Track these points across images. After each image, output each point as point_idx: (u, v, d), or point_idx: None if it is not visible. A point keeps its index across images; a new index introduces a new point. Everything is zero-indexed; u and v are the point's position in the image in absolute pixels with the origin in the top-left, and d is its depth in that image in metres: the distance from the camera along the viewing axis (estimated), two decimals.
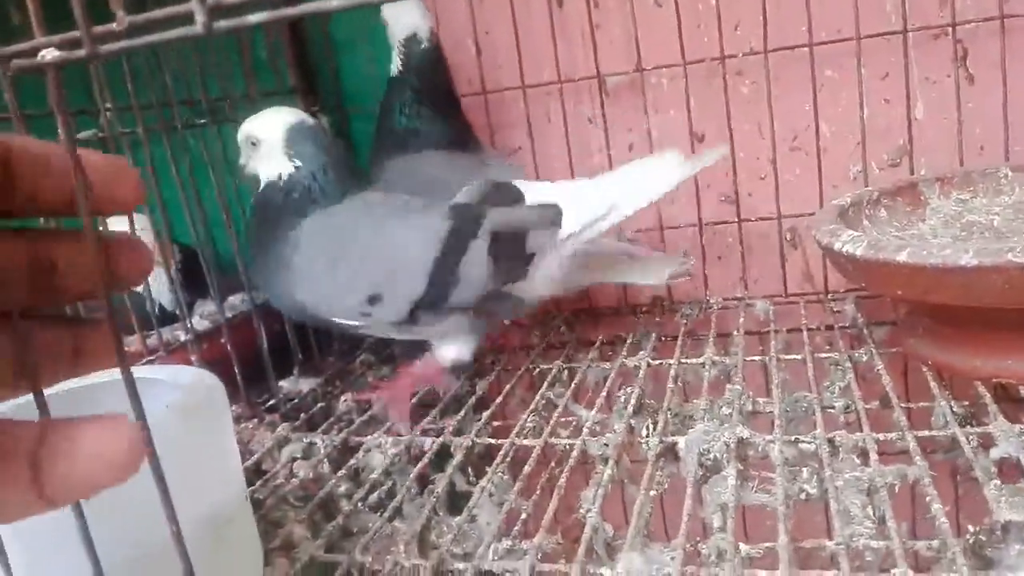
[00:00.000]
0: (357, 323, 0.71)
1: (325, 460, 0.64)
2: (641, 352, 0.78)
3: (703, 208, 0.91)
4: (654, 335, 0.83)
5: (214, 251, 0.84)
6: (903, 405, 0.59)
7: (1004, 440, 0.51)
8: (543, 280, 0.72)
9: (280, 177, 0.71)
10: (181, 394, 0.43)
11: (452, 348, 0.74)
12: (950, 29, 0.81)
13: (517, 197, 0.71)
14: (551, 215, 0.68)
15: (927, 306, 0.62)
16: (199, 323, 0.76)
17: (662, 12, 0.88)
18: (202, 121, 0.79)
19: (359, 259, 0.69)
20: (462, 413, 0.69)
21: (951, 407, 0.57)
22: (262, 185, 0.73)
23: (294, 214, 0.71)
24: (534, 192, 0.72)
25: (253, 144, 0.73)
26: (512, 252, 0.68)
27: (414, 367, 0.76)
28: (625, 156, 0.92)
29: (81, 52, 0.25)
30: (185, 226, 0.74)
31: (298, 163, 0.71)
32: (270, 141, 0.72)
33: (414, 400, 0.74)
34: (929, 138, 0.85)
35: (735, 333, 0.79)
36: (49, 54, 0.25)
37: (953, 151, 0.83)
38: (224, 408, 0.45)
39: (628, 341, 0.83)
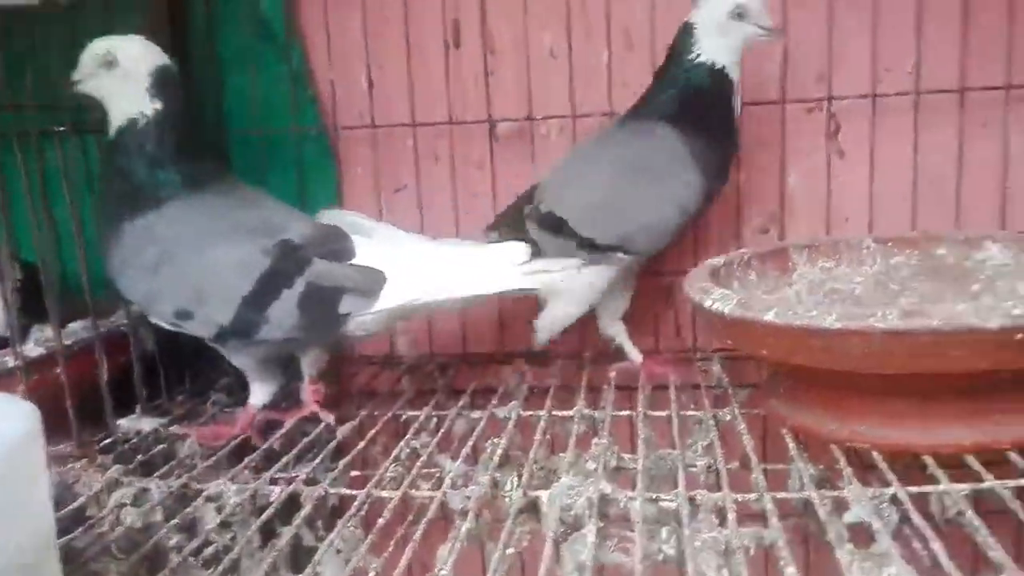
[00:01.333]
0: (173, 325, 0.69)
1: (159, 507, 0.58)
2: (512, 402, 0.76)
3: None
4: (526, 386, 0.81)
5: (61, 272, 0.78)
6: (762, 466, 0.59)
7: (857, 504, 0.51)
8: (359, 329, 0.70)
9: (142, 117, 0.66)
10: None
11: (256, 391, 0.73)
12: (825, 103, 0.84)
13: (346, 250, 0.68)
14: (372, 283, 0.66)
15: (789, 367, 0.63)
16: (32, 349, 0.69)
17: (555, 64, 0.88)
18: (61, 128, 0.73)
19: (178, 270, 0.66)
20: (318, 460, 0.65)
21: (807, 470, 0.58)
22: (115, 125, 0.67)
23: (146, 186, 0.66)
24: (366, 251, 0.68)
25: (108, 64, 0.66)
26: (321, 312, 0.66)
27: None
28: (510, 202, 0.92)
29: None
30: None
31: (159, 106, 0.66)
32: (134, 70, 0.66)
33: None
34: (799, 207, 0.88)
35: (605, 387, 0.78)
36: None
37: (821, 220, 0.87)
38: (35, 444, 0.40)
39: (500, 391, 0.81)
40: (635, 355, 0.83)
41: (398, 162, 0.93)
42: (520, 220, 0.79)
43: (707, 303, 0.61)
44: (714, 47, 0.75)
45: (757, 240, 0.88)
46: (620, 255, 0.77)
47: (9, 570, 0.36)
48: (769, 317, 0.55)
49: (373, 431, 0.72)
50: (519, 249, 0.68)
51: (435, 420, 0.75)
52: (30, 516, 0.40)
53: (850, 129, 0.86)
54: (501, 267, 0.68)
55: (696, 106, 0.75)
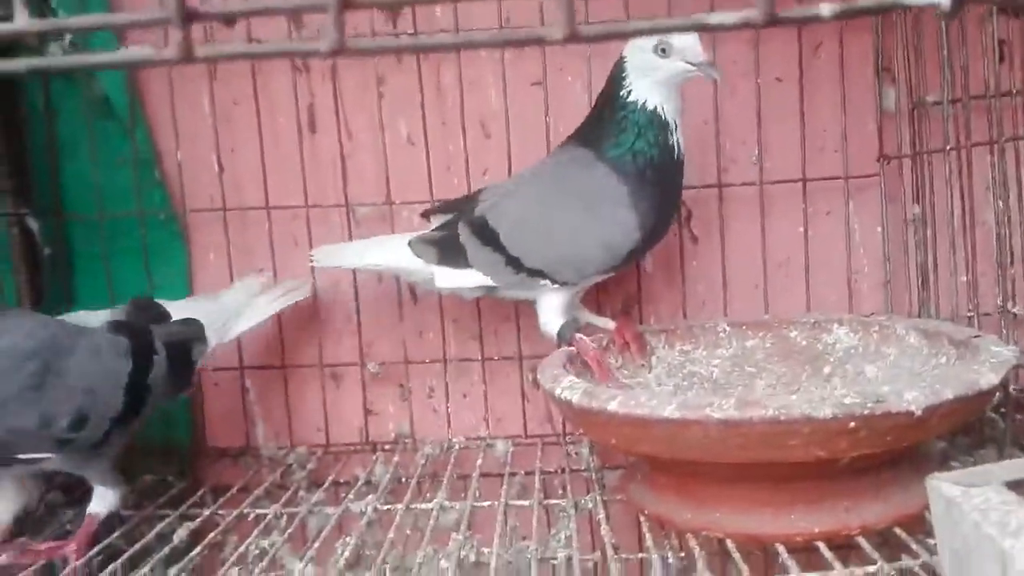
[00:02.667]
0: (44, 456, 0.63)
1: None
2: (371, 496, 0.73)
3: (449, 344, 0.90)
4: (389, 476, 0.79)
5: None
6: (623, 556, 0.58)
7: None
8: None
9: None
10: None
11: (99, 498, 0.69)
12: None
13: (164, 314, 0.74)
14: (199, 329, 0.74)
15: (642, 456, 0.63)
16: None
17: (414, 150, 0.89)
18: None
19: (63, 382, 0.62)
20: (148, 568, 0.60)
21: (666, 559, 0.57)
22: None
23: None
24: (175, 309, 0.75)
25: None
26: (183, 363, 0.72)
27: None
28: (374, 286, 0.90)
29: None
30: None
31: None
32: None
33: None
34: (657, 290, 0.90)
35: (472, 476, 0.76)
36: None
37: (678, 304, 0.89)
38: None
39: (362, 481, 0.78)
40: (607, 323, 0.80)
41: (253, 245, 0.90)
42: (455, 219, 0.78)
43: (556, 391, 0.60)
44: (644, 86, 0.72)
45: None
46: (543, 281, 0.75)
47: None
48: (613, 407, 0.55)
49: (215, 532, 0.68)
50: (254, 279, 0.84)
51: (286, 517, 0.71)
52: None
53: (701, 215, 0.89)
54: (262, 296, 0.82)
55: (631, 146, 0.73)
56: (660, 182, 0.74)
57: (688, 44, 0.70)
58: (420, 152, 0.88)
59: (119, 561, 0.61)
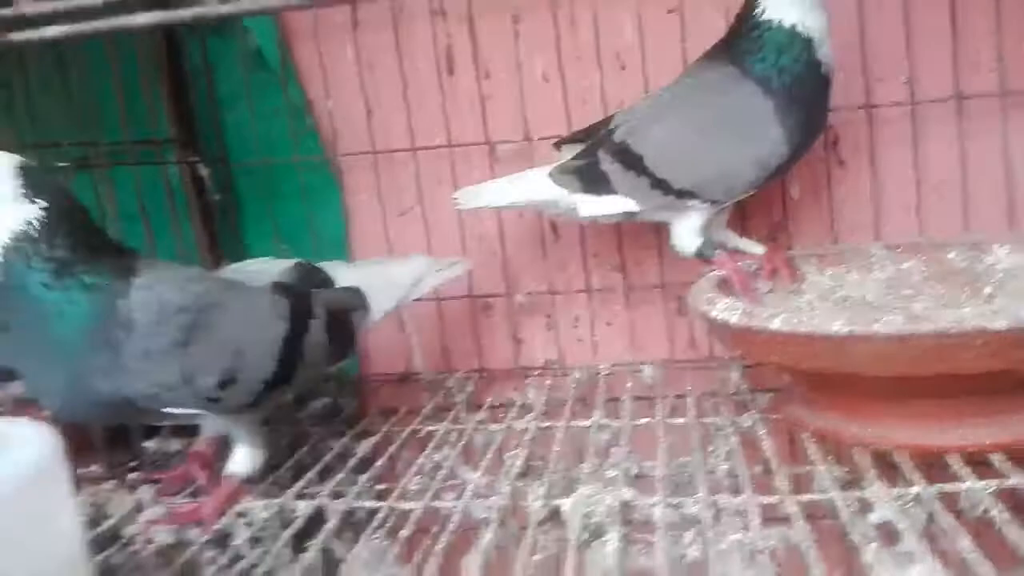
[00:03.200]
0: (195, 411, 0.62)
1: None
2: (530, 415, 0.77)
3: (592, 275, 0.93)
4: (544, 399, 0.82)
5: None
6: (785, 470, 0.60)
7: (881, 505, 0.52)
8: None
9: (30, 225, 0.56)
10: (16, 452, 0.39)
11: (241, 458, 0.66)
12: None
13: (327, 279, 0.73)
14: (361, 298, 0.73)
15: (803, 373, 0.64)
16: None
17: (549, 87, 0.90)
18: (63, 164, 0.74)
19: (213, 340, 0.60)
20: (341, 475, 0.66)
21: (831, 472, 0.58)
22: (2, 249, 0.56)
23: (65, 282, 0.56)
24: (340, 276, 0.75)
25: None
26: (343, 331, 0.70)
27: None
28: (515, 222, 0.93)
29: None
30: None
31: (43, 203, 0.57)
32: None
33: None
34: (803, 217, 0.89)
35: (623, 398, 0.79)
36: None
37: (826, 230, 0.88)
38: (58, 467, 0.41)
39: (518, 404, 0.82)
40: (755, 247, 0.81)
41: (401, 186, 0.95)
42: (592, 147, 0.79)
43: (713, 313, 0.62)
44: (779, 3, 0.72)
45: None
46: (692, 202, 0.76)
47: None
48: (775, 325, 0.56)
49: (393, 446, 0.73)
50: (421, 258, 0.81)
51: (455, 434, 0.76)
52: (57, 538, 0.41)
53: (848, 139, 0.87)
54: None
55: (775, 63, 0.72)
56: (806, 97, 0.73)
57: None
58: (556, 88, 0.90)
59: (308, 475, 0.68)
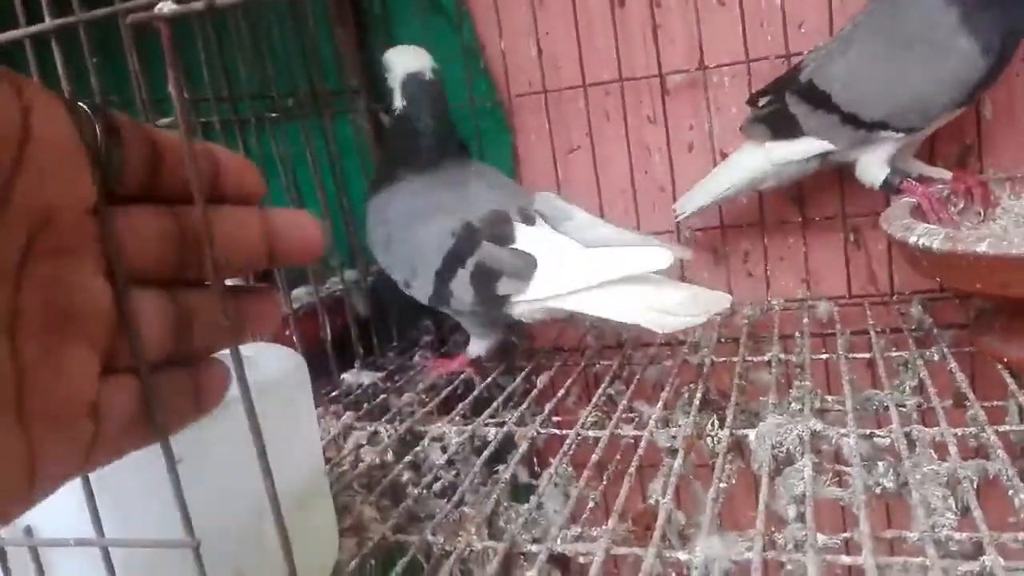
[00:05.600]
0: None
1: (389, 449, 0.64)
2: (703, 350, 0.77)
3: (765, 207, 0.90)
4: (715, 335, 0.82)
5: None
6: (978, 403, 0.58)
7: None
8: (523, 315, 0.72)
9: (393, 114, 0.81)
10: (269, 369, 0.43)
11: (473, 343, 0.81)
12: None
13: (510, 237, 0.70)
14: (522, 266, 0.67)
15: (1005, 301, 0.60)
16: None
17: (725, 11, 0.88)
18: (274, 115, 0.80)
19: (400, 244, 0.77)
20: (524, 406, 0.69)
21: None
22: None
23: (385, 169, 0.82)
24: (525, 236, 0.70)
25: (387, 69, 0.82)
26: (486, 289, 0.70)
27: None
28: (685, 156, 0.92)
29: (199, 4, 0.25)
30: None
31: (403, 104, 0.80)
32: (392, 76, 0.81)
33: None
34: (998, 139, 0.83)
35: (798, 335, 0.78)
36: (166, 7, 0.25)
37: (1021, 152, 0.81)
38: (306, 387, 0.45)
39: (687, 341, 0.82)
40: (942, 173, 0.77)
41: (570, 125, 0.95)
42: (780, 92, 0.78)
43: (911, 239, 0.59)
44: None
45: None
46: (885, 133, 0.74)
47: (297, 495, 0.42)
48: (982, 248, 0.54)
49: (569, 381, 0.76)
50: (660, 256, 0.62)
51: (626, 370, 0.78)
52: (304, 446, 0.46)
53: None
54: (660, 281, 0.64)
55: None
56: (995, 7, 0.67)
57: None
58: (732, 12, 0.86)
59: (494, 404, 0.71)
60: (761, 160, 0.79)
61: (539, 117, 0.96)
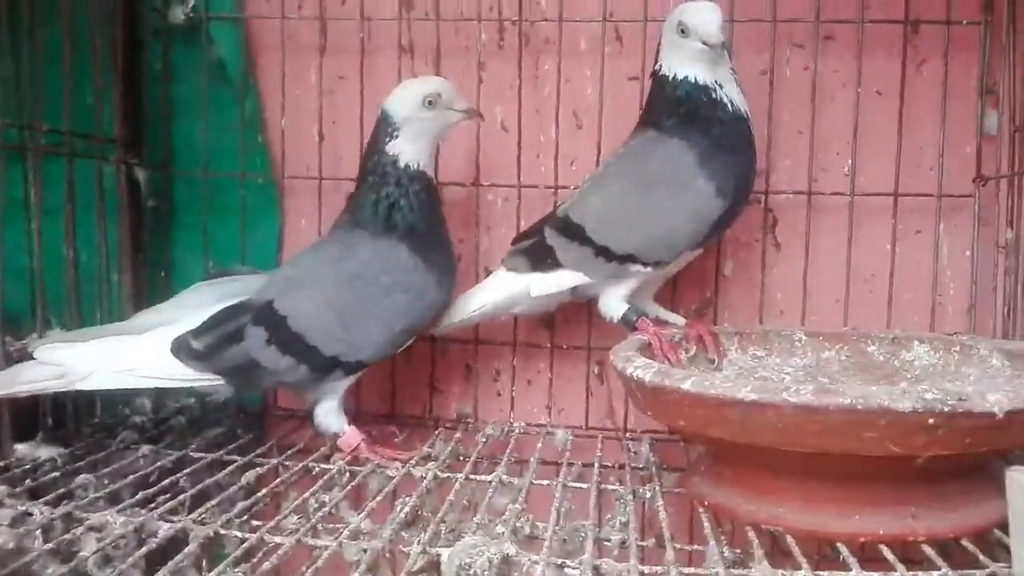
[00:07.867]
0: None
1: (38, 533, 0.54)
2: (431, 463, 0.74)
3: (519, 328, 0.91)
4: (450, 449, 0.80)
5: None
6: (678, 546, 0.58)
7: None
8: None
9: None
10: None
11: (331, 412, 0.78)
12: (763, 197, 0.86)
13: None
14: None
15: (711, 444, 0.62)
16: None
17: (506, 135, 0.90)
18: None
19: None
20: (213, 503, 0.62)
21: (723, 551, 0.56)
22: None
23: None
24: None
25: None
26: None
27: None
28: None
29: None
30: None
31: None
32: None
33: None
34: (734, 296, 0.89)
35: (531, 460, 0.77)
36: None
37: (755, 310, 0.88)
38: None
39: (422, 454, 0.79)
40: (678, 319, 0.81)
41: None
42: (539, 226, 0.80)
43: (629, 370, 0.61)
44: (674, 61, 0.75)
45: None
46: (634, 267, 0.76)
47: None
48: (686, 386, 0.55)
49: (279, 481, 0.70)
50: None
51: (348, 475, 0.73)
52: None
53: (786, 223, 0.88)
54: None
55: (683, 114, 0.75)
56: (727, 141, 0.75)
57: (702, 23, 0.72)
58: (512, 138, 0.89)
59: (180, 497, 0.64)
60: (519, 287, 0.80)
61: (312, 202, 0.93)
